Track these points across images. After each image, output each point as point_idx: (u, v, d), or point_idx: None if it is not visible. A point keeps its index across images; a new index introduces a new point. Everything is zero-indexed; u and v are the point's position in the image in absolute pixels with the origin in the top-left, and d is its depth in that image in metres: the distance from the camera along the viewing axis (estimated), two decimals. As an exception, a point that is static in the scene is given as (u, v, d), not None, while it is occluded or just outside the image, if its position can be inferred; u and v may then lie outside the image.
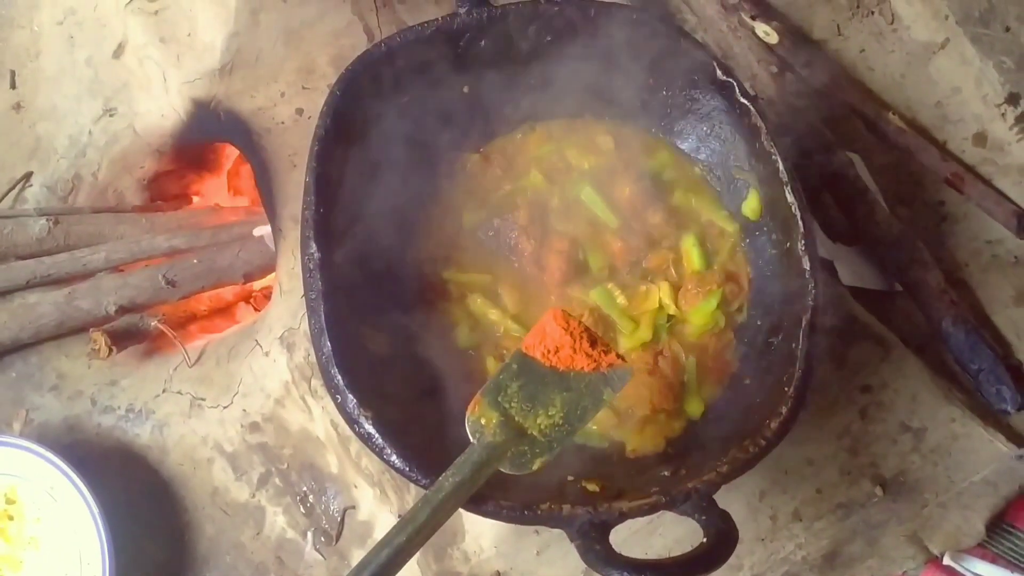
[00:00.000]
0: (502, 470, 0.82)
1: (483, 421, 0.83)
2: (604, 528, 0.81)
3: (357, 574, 0.72)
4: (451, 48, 1.04)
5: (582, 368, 0.87)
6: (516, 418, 0.84)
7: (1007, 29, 1.32)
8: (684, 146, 1.11)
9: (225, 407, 1.20)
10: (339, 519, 1.16)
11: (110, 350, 1.21)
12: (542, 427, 0.84)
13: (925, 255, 1.26)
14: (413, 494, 1.12)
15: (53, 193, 1.33)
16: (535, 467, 0.82)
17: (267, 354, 1.19)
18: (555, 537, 1.09)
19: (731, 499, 1.00)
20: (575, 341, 0.88)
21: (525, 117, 1.12)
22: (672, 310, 1.03)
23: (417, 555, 1.09)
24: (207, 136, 1.33)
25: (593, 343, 0.89)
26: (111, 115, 1.32)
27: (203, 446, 1.20)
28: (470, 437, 0.83)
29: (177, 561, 1.18)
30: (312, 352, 1.13)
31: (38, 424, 1.23)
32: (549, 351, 0.87)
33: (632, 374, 0.90)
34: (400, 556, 0.74)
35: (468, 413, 0.84)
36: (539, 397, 0.85)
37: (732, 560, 0.81)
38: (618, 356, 0.89)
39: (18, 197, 1.33)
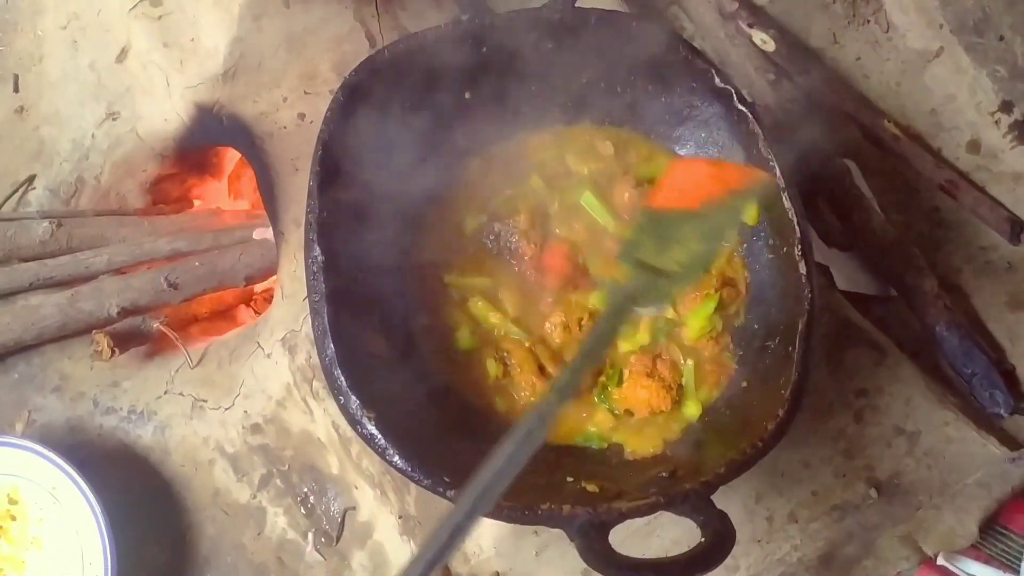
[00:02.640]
0: (642, 311, 0.82)
1: (618, 277, 0.82)
2: (603, 528, 0.82)
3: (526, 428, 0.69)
4: (453, 54, 1.05)
5: (712, 196, 0.85)
6: (650, 263, 0.82)
7: (1001, 38, 1.34)
8: (683, 152, 1.13)
9: (227, 409, 1.21)
10: (340, 520, 1.17)
11: (112, 352, 1.21)
12: (678, 260, 0.82)
13: (920, 261, 1.27)
14: (414, 495, 1.13)
15: (56, 196, 1.34)
16: (673, 295, 0.83)
17: (269, 356, 1.20)
18: (554, 538, 1.10)
19: (728, 501, 1.01)
20: (699, 178, 0.87)
21: (526, 122, 1.13)
22: (670, 314, 1.04)
23: (417, 556, 1.10)
24: (209, 140, 1.34)
25: (717, 165, 0.89)
26: (114, 119, 1.33)
27: (205, 447, 1.21)
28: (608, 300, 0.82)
29: (178, 562, 1.19)
30: (313, 354, 1.15)
31: (40, 425, 1.24)
32: (674, 198, 0.86)
33: (770, 183, 0.89)
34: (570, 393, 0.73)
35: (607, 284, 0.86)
36: (672, 236, 0.83)
37: (729, 561, 0.82)
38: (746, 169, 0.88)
39: (21, 200, 1.34)
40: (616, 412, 1.01)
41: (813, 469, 1.14)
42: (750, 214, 1.06)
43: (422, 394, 0.98)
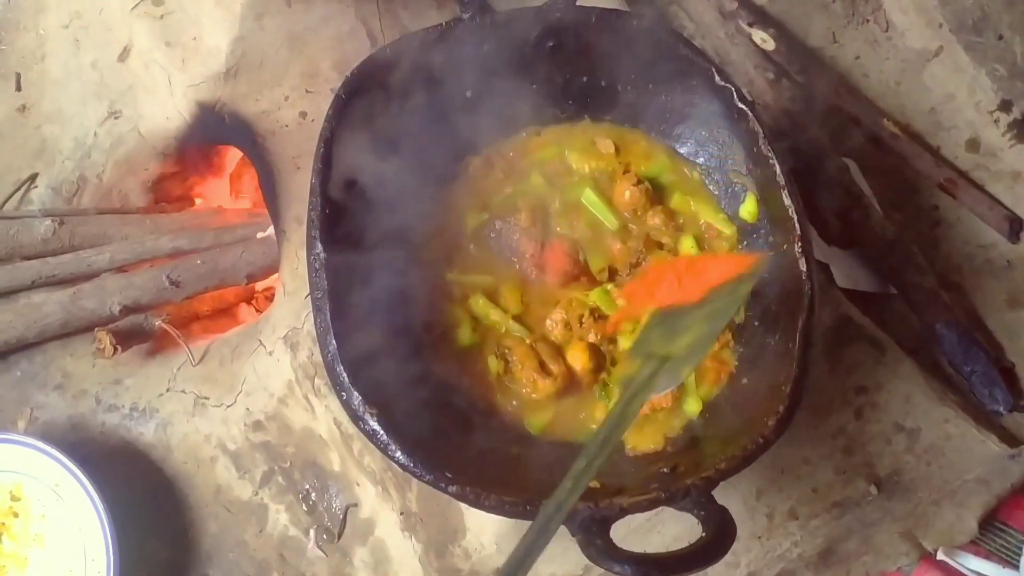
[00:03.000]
0: (655, 394, 0.84)
1: (630, 371, 0.85)
2: (605, 523, 0.82)
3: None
4: (454, 53, 1.06)
5: (715, 286, 0.89)
6: (659, 352, 0.85)
7: (1000, 37, 1.34)
8: (683, 150, 1.13)
9: (228, 406, 1.21)
10: (341, 517, 1.17)
11: (115, 349, 1.22)
12: (684, 345, 0.85)
13: (919, 259, 1.28)
14: (415, 491, 1.14)
15: (58, 194, 1.34)
16: (684, 376, 0.86)
17: (271, 354, 1.20)
18: (555, 534, 1.10)
19: (728, 497, 1.01)
20: (702, 274, 0.90)
21: (527, 121, 1.14)
22: (671, 311, 1.05)
23: (419, 552, 1.11)
24: (211, 139, 1.34)
25: (715, 259, 0.95)
26: (116, 118, 1.33)
27: (206, 444, 1.21)
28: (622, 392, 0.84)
29: (181, 558, 1.19)
30: (315, 351, 1.15)
31: (43, 423, 1.24)
32: (680, 297, 0.90)
33: (767, 260, 0.93)
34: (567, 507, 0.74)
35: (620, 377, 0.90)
36: (678, 327, 0.87)
37: (729, 557, 0.82)
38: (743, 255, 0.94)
39: (23, 198, 1.34)
40: (617, 409, 1.02)
41: (813, 466, 1.14)
42: (750, 211, 1.06)
43: (424, 391, 0.98)
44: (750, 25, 1.37)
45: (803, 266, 0.95)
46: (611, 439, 0.77)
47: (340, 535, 1.17)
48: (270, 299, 1.36)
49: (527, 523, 1.07)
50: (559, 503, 0.71)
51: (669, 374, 0.84)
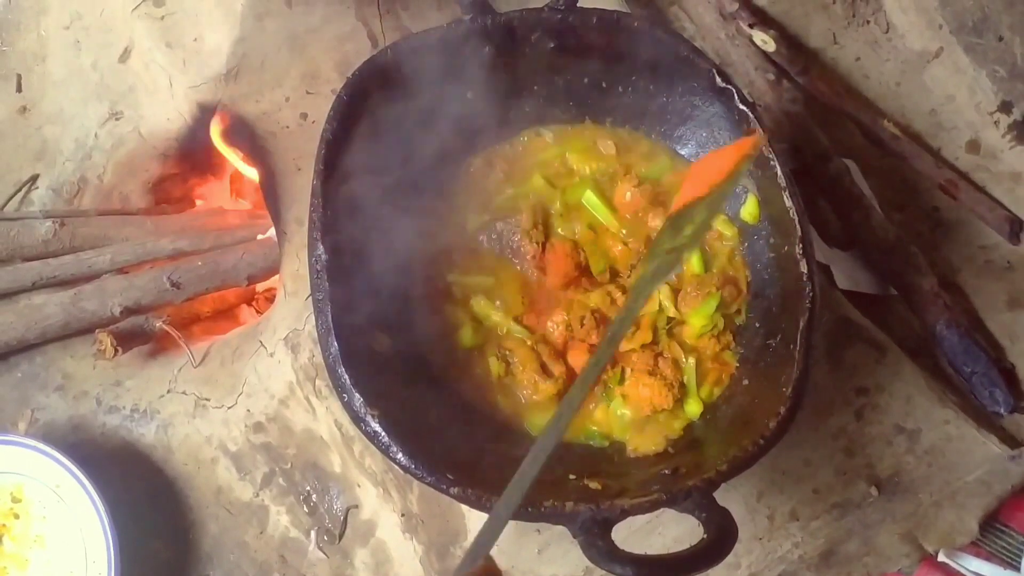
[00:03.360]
0: (662, 281, 0.91)
1: (641, 271, 0.88)
2: (606, 524, 0.82)
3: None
4: (455, 54, 1.05)
5: (718, 177, 0.90)
6: (666, 247, 0.87)
7: (1000, 38, 1.34)
8: (684, 151, 1.13)
9: (229, 407, 1.21)
10: (342, 518, 1.17)
11: (115, 351, 1.21)
12: (688, 235, 0.86)
13: (919, 260, 1.28)
14: (416, 492, 1.14)
15: (59, 195, 1.34)
16: (685, 259, 0.90)
17: (272, 355, 1.20)
18: (556, 536, 1.10)
19: (729, 499, 1.01)
20: (706, 169, 0.91)
21: (528, 122, 1.14)
22: (672, 312, 1.05)
23: (420, 554, 1.11)
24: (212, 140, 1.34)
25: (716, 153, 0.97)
26: (117, 119, 1.33)
27: (207, 446, 1.21)
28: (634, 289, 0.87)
29: (182, 559, 1.20)
30: (316, 353, 1.15)
31: (43, 424, 1.24)
32: (689, 194, 0.90)
33: (762, 137, 0.98)
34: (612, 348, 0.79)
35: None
36: (684, 220, 0.88)
37: (730, 559, 0.82)
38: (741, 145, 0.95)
39: (24, 199, 1.34)
40: (618, 410, 1.02)
41: (814, 467, 1.14)
42: (751, 212, 1.06)
43: (425, 392, 0.99)
44: (751, 26, 1.37)
45: (804, 268, 0.95)
46: (625, 324, 0.82)
47: (341, 536, 1.17)
48: (271, 300, 1.36)
49: (528, 524, 1.08)
50: (584, 380, 0.75)
51: (670, 263, 0.86)
